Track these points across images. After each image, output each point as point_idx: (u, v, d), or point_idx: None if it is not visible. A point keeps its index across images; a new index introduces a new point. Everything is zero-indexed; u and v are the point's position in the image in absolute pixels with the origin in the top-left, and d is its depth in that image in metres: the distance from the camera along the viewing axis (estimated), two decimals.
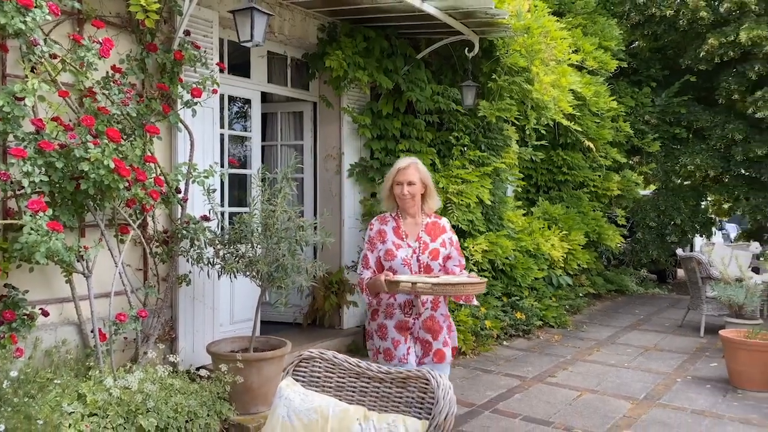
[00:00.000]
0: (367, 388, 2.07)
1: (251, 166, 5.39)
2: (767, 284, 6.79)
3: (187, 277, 4.27)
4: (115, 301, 3.86)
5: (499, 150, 6.08)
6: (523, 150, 6.48)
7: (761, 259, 7.70)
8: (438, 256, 3.00)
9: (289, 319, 5.92)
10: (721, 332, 5.19)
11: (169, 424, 3.53)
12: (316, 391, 2.09)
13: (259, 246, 3.97)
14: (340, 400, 2.03)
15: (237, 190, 5.71)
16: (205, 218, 4.17)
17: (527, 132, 6.54)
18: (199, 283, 4.46)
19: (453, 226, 5.75)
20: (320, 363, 2.16)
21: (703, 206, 11.36)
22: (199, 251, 4.08)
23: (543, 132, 6.81)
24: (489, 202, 5.85)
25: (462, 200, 5.64)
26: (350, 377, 2.11)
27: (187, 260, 4.14)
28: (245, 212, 4.43)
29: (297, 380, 2.13)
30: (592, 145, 7.53)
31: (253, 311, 5.12)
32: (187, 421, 3.64)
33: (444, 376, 2.01)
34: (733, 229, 17.53)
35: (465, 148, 5.90)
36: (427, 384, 1.93)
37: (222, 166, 4.85)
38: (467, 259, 5.78)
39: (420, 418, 1.87)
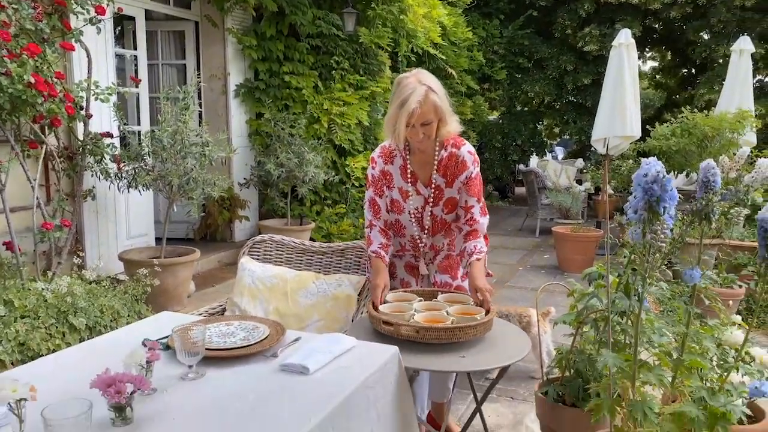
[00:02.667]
0: (312, 259, 2.65)
1: (139, 86, 5.44)
2: (588, 191, 8.25)
3: (91, 192, 4.43)
4: (24, 215, 4.01)
5: (375, 75, 6.65)
6: (395, 75, 7.11)
7: (584, 172, 9.23)
8: (455, 207, 2.38)
9: (181, 234, 6.21)
10: (554, 228, 6.43)
11: (97, 322, 3.85)
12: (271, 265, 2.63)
13: (168, 161, 4.25)
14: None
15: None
16: (108, 135, 4.33)
17: (399, 59, 7.15)
18: (101, 198, 4.63)
19: (336, 146, 6.34)
20: (271, 244, 2.69)
21: (538, 129, 12.95)
22: (103, 166, 4.27)
23: (413, 59, 7.47)
24: (367, 124, 6.45)
25: (344, 121, 6.19)
26: (297, 253, 2.67)
27: (92, 175, 4.31)
28: (137, 130, 4.61)
29: (253, 258, 2.65)
30: (453, 72, 8.35)
31: (147, 226, 5.42)
32: (111, 320, 3.98)
33: None
34: (560, 152, 19.91)
35: (345, 72, 6.39)
36: (362, 250, 2.55)
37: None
38: (348, 176, 6.39)
39: (358, 275, 2.50)
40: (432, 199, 2.35)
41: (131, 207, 5.30)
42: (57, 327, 3.65)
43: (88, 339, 3.81)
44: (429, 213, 2.37)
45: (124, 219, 5.25)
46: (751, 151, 6.56)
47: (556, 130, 15.32)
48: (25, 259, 3.97)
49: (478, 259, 2.25)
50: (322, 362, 1.64)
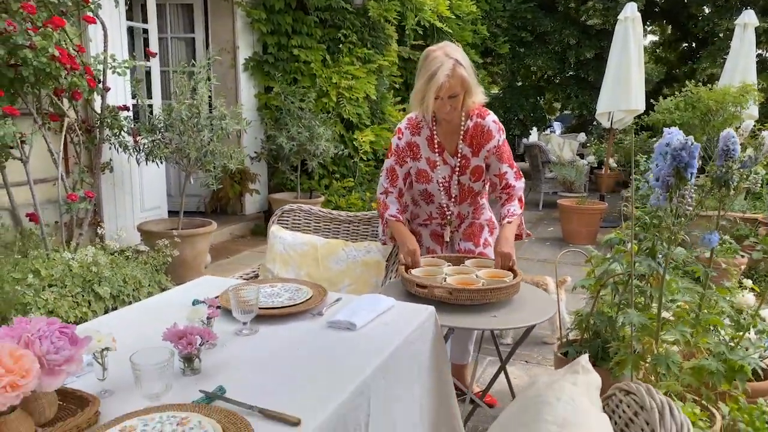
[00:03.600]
0: (339, 228, 2.74)
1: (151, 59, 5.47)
2: (591, 165, 8.35)
3: (109, 164, 4.49)
4: (44, 187, 4.09)
5: (383, 48, 6.67)
6: (402, 48, 7.13)
7: (587, 146, 9.31)
8: (482, 175, 2.45)
9: (192, 207, 6.29)
10: (560, 201, 6.53)
11: (120, 291, 3.96)
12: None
13: (185, 134, 4.31)
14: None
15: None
16: (125, 108, 4.38)
17: (406, 32, 7.15)
18: (118, 171, 4.70)
19: (343, 120, 6.39)
20: (299, 213, 2.78)
21: (540, 104, 12.99)
22: (121, 139, 4.33)
23: (419, 33, 7.48)
24: (374, 98, 6.49)
25: (352, 95, 6.23)
26: (325, 222, 2.77)
27: (110, 148, 4.37)
28: (149, 103, 4.67)
29: (282, 227, 2.74)
30: (460, 46, 8.35)
31: (160, 199, 5.49)
32: (134, 290, 4.08)
33: None
34: (558, 127, 20.09)
35: (353, 46, 6.41)
36: None
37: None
38: (356, 150, 6.46)
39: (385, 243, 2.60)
40: (459, 168, 2.43)
41: (144, 180, 5.36)
42: (83, 296, 3.75)
43: (113, 308, 3.93)
44: (456, 181, 2.45)
45: (138, 192, 5.32)
46: (754, 125, 6.65)
47: (556, 104, 15.34)
48: (47, 230, 4.06)
49: (509, 222, 2.33)
50: (367, 319, 1.74)
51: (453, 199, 2.50)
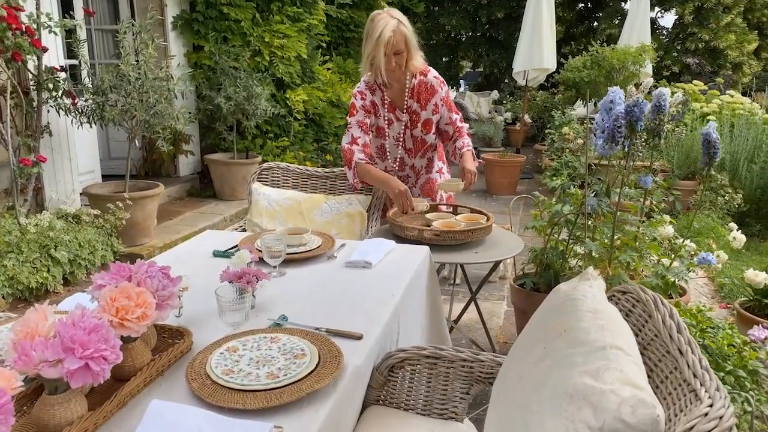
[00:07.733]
0: (316, 183, 2.96)
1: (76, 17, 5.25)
2: (505, 121, 8.90)
3: (47, 128, 4.37)
4: None
5: (311, 7, 6.72)
6: (329, 7, 7.20)
7: (503, 103, 9.86)
8: (431, 128, 2.77)
9: (123, 171, 6.14)
10: (483, 155, 7.00)
11: (77, 255, 3.95)
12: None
13: (131, 95, 4.26)
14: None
15: None
16: (62, 69, 4.26)
17: None
18: (56, 135, 4.57)
19: (275, 79, 6.44)
20: (278, 170, 2.96)
21: (453, 62, 13.43)
22: (61, 102, 4.22)
23: None
24: (305, 57, 6.57)
25: (284, 54, 6.28)
26: (303, 178, 2.96)
27: (48, 111, 4.25)
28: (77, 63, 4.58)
29: (263, 184, 2.91)
30: (384, 4, 8.50)
31: (93, 163, 5.40)
32: (89, 253, 4.08)
33: None
34: (462, 85, 20.76)
35: (282, 4, 6.42)
36: None
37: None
38: (290, 110, 6.55)
39: (363, 195, 2.85)
40: (410, 123, 2.76)
41: (77, 144, 5.22)
42: (41, 261, 3.73)
43: (70, 272, 3.93)
44: (410, 135, 2.79)
45: (74, 156, 5.18)
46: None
47: (463, 63, 15.88)
48: None
49: (468, 150, 2.76)
50: (378, 258, 2.01)
51: (408, 152, 2.84)
